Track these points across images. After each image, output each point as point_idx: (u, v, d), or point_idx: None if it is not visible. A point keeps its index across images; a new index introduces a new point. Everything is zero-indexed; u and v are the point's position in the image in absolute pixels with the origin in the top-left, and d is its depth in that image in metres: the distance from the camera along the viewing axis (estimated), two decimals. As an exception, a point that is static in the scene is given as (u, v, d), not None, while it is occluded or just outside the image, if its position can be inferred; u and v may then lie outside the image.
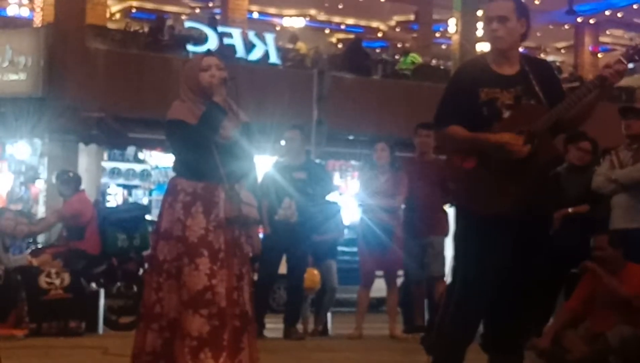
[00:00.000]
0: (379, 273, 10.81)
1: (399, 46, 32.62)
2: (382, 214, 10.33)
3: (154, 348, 5.46)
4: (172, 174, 5.84)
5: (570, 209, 9.06)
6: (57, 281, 10.05)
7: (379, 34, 34.82)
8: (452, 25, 27.52)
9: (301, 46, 26.03)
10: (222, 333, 5.38)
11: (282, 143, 10.85)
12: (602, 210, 8.76)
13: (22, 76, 19.69)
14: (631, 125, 8.63)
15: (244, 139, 5.63)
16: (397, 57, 28.84)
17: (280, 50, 23.37)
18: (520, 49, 5.91)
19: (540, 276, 5.85)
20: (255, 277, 10.71)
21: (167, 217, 5.55)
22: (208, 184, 5.50)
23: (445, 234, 10.41)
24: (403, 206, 10.48)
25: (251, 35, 22.70)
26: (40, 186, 20.33)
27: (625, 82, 7.01)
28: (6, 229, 10.70)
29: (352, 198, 11.98)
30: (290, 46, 26.01)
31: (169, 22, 25.63)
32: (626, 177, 8.53)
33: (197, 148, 5.48)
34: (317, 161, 14.40)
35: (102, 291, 10.58)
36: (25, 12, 26.79)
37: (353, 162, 22.56)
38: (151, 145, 20.04)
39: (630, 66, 5.84)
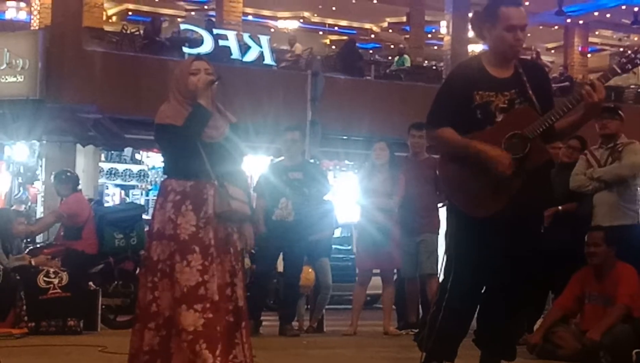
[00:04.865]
0: (375, 270, 10.91)
1: (392, 47, 32.70)
2: (378, 214, 10.42)
3: (152, 347, 5.48)
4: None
5: (560, 207, 9.17)
6: (56, 281, 10.03)
7: (372, 36, 34.91)
8: (444, 26, 27.66)
9: (298, 47, 26.13)
10: (216, 326, 5.41)
11: (285, 139, 10.73)
12: (585, 209, 8.85)
13: (19, 78, 19.73)
14: (607, 124, 8.71)
15: (233, 139, 5.71)
16: (390, 58, 28.94)
17: (274, 51, 23.47)
18: None
19: (532, 274, 5.87)
20: (251, 276, 10.88)
21: (158, 218, 5.60)
22: (197, 182, 5.57)
23: (439, 232, 10.49)
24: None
25: (246, 37, 22.81)
26: (38, 187, 20.37)
27: (614, 81, 7.03)
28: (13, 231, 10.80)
29: (350, 197, 11.97)
30: (287, 47, 26.11)
31: (165, 24, 25.70)
32: (610, 174, 8.62)
33: (184, 148, 5.55)
34: (312, 160, 14.49)
35: (99, 290, 10.64)
36: (22, 15, 26.87)
37: (347, 162, 22.65)
38: (148, 146, 20.05)
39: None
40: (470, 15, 24.29)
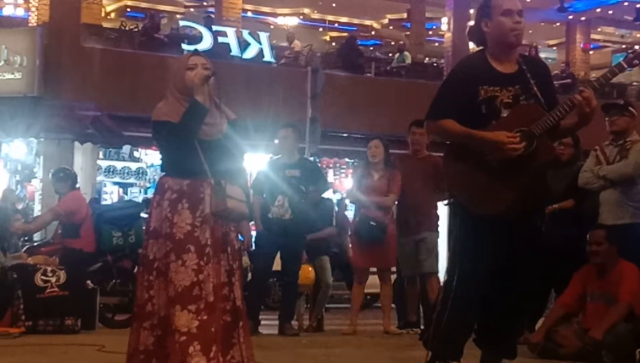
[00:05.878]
0: (373, 269, 10.86)
1: (393, 43, 32.70)
2: (374, 212, 10.36)
3: (147, 347, 5.47)
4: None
5: (556, 205, 9.09)
6: (53, 279, 10.00)
7: (372, 32, 34.90)
8: (445, 23, 27.62)
9: (297, 44, 26.09)
10: (210, 328, 5.37)
11: (276, 141, 10.87)
12: (589, 206, 8.78)
13: (17, 75, 19.68)
14: (615, 121, 8.64)
15: (231, 136, 5.66)
16: (390, 54, 28.91)
17: (274, 48, 23.42)
18: None
19: (535, 273, 5.88)
20: (250, 275, 10.84)
21: (155, 216, 5.57)
22: (194, 180, 5.52)
23: (438, 230, 10.43)
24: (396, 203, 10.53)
25: (245, 34, 22.77)
26: (36, 184, 20.33)
27: (616, 78, 6.97)
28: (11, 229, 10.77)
29: (345, 195, 11.97)
30: (286, 44, 26.07)
31: (164, 21, 25.66)
32: (614, 173, 8.53)
33: (180, 145, 5.50)
34: (311, 158, 14.42)
35: (97, 289, 10.59)
36: (20, 12, 26.86)
37: (347, 159, 22.61)
38: (146, 143, 20.00)
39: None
40: (470, 11, 24.28)
